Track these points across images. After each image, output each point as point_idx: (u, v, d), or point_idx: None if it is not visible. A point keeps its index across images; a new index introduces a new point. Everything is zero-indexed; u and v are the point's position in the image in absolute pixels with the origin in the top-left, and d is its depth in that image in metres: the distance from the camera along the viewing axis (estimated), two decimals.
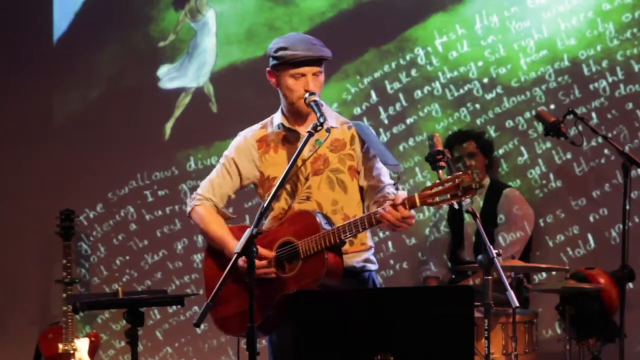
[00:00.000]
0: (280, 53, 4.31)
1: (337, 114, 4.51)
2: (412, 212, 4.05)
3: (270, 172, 4.41)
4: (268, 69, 4.40)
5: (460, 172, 3.97)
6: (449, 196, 3.97)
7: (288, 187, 4.34)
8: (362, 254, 4.38)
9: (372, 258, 4.43)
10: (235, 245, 3.98)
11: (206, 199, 4.49)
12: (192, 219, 4.54)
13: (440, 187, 3.99)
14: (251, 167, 4.47)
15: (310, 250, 4.16)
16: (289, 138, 4.40)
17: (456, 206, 4.02)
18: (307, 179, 4.33)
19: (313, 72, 4.29)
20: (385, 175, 4.38)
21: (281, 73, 4.34)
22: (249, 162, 4.46)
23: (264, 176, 4.44)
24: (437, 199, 4.00)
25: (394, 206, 4.01)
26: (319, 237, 4.15)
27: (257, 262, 4.11)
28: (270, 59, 4.39)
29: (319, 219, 4.20)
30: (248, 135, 4.51)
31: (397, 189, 4.28)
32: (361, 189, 4.39)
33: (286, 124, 4.40)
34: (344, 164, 4.35)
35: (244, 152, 4.48)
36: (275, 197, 4.14)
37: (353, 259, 4.33)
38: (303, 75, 4.29)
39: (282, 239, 4.26)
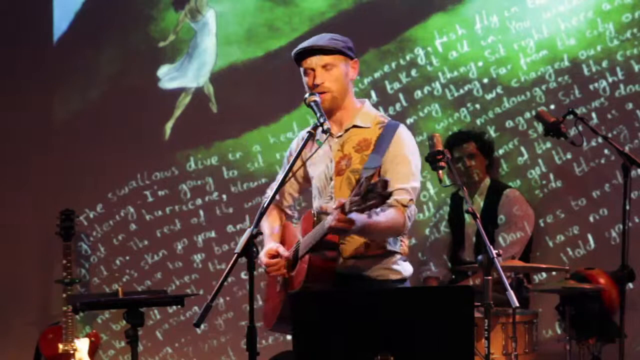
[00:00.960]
0: (293, 51, 4.32)
1: (377, 113, 4.37)
2: (352, 216, 3.87)
3: (311, 171, 4.41)
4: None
5: (379, 179, 3.76)
6: (379, 199, 3.75)
7: (320, 184, 4.32)
8: (379, 259, 4.25)
9: (396, 267, 4.27)
10: (268, 244, 4.30)
11: (269, 198, 4.18)
12: None
13: (360, 189, 3.79)
14: (302, 167, 4.44)
15: (302, 250, 4.17)
16: (320, 138, 4.23)
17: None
18: (332, 179, 4.29)
19: (321, 64, 4.24)
20: (398, 180, 4.13)
21: (301, 71, 4.33)
22: (300, 162, 4.36)
23: (308, 175, 4.45)
24: (367, 203, 3.77)
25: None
26: (307, 238, 4.17)
27: (267, 260, 4.26)
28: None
29: (316, 218, 4.20)
30: (303, 133, 4.31)
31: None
32: None
33: (320, 124, 4.25)
34: (364, 164, 4.23)
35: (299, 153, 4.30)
36: (275, 198, 4.13)
37: (367, 266, 4.22)
38: (312, 69, 4.25)
39: (297, 239, 4.33)
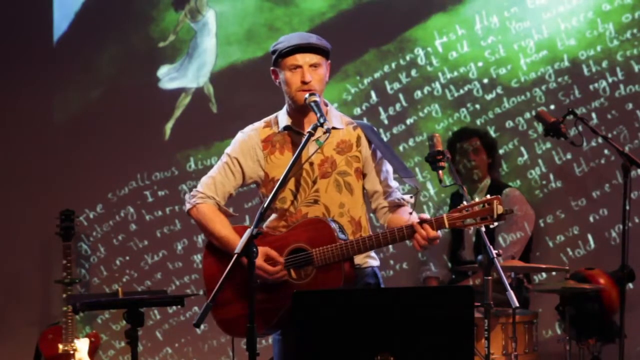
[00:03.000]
0: (277, 46, 4.30)
1: (341, 114, 4.46)
2: (439, 232, 4.06)
3: (275, 174, 4.33)
4: (272, 67, 4.36)
5: (492, 197, 4.02)
6: (478, 219, 4.02)
7: (294, 189, 4.30)
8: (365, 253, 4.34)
9: (373, 254, 4.38)
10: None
11: (208, 197, 4.39)
12: (193, 217, 4.42)
13: (469, 210, 4.02)
14: (256, 167, 4.40)
15: (326, 259, 4.15)
16: (294, 140, 4.34)
17: (483, 229, 4.07)
18: (314, 182, 4.29)
19: (310, 62, 4.25)
20: (392, 179, 4.37)
21: (280, 68, 4.30)
22: (253, 162, 4.39)
23: (268, 177, 4.38)
24: (466, 221, 4.04)
25: (422, 226, 4.03)
26: (337, 248, 4.14)
27: (271, 268, 4.15)
28: (272, 58, 4.35)
29: (334, 227, 4.18)
30: (252, 133, 4.43)
31: (413, 207, 4.22)
32: (364, 190, 4.37)
33: (292, 125, 4.35)
34: (351, 166, 4.31)
35: (249, 151, 4.41)
36: (275, 198, 4.12)
37: (356, 258, 4.27)
38: (299, 66, 4.24)
39: (294, 245, 4.22)
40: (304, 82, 4.23)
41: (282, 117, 4.40)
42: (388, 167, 4.35)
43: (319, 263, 4.16)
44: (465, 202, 4.14)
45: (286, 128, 4.35)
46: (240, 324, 4.06)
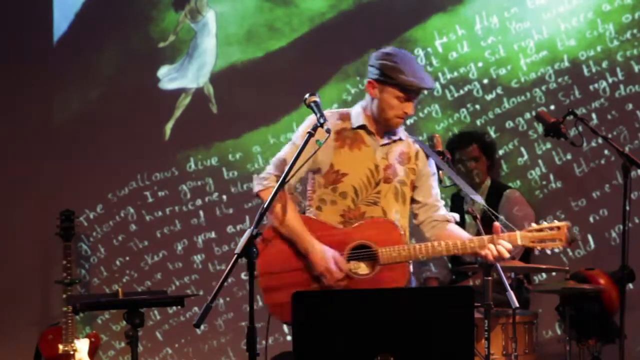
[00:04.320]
0: (396, 75, 4.39)
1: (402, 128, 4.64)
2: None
3: (340, 167, 4.45)
4: (372, 79, 4.47)
5: (564, 223, 4.28)
6: (548, 242, 4.27)
7: (357, 186, 4.43)
8: None
9: None
10: (312, 241, 4.30)
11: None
12: (262, 199, 4.43)
13: (542, 233, 4.28)
14: (326, 154, 4.46)
15: (392, 259, 4.33)
16: (365, 139, 4.49)
17: (548, 252, 4.42)
18: (377, 184, 4.45)
19: (416, 98, 4.47)
20: (439, 195, 4.62)
21: (388, 90, 4.43)
22: (327, 149, 4.43)
23: (333, 168, 4.47)
24: (537, 242, 4.29)
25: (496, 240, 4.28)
26: (404, 249, 4.34)
27: (336, 274, 4.30)
28: (377, 71, 4.45)
29: (401, 231, 4.40)
30: (329, 123, 4.33)
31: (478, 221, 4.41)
32: (411, 202, 4.59)
33: (369, 126, 4.49)
34: (408, 177, 4.52)
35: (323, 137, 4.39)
36: (275, 198, 4.11)
37: None
38: (409, 100, 4.42)
39: (359, 242, 4.38)
40: (406, 115, 4.45)
41: (358, 116, 4.52)
42: (436, 184, 4.58)
43: (383, 261, 4.33)
44: (465, 204, 4.18)
45: (361, 127, 4.49)
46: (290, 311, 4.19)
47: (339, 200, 4.44)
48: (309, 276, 4.38)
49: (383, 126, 4.50)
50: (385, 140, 4.49)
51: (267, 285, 4.39)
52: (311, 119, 4.39)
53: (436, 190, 4.59)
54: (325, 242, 4.37)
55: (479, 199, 4.43)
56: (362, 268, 4.40)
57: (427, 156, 4.56)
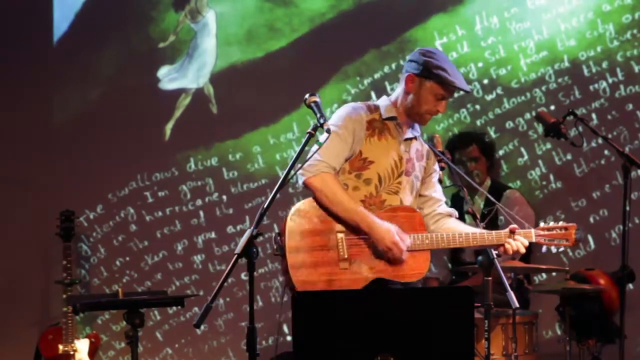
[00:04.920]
0: (439, 72, 4.55)
1: None
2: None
3: (368, 155, 4.56)
4: (412, 73, 4.60)
5: (571, 224, 4.54)
6: (557, 240, 4.51)
7: (384, 173, 4.57)
8: None
9: None
10: (375, 218, 4.43)
11: (331, 167, 4.52)
12: (313, 186, 4.50)
13: (553, 232, 4.52)
14: (357, 143, 4.59)
15: (415, 246, 4.48)
16: (392, 131, 4.63)
17: (554, 250, 4.55)
18: (400, 175, 4.59)
19: (450, 98, 4.66)
20: (442, 191, 4.78)
21: (427, 86, 4.58)
22: (360, 137, 4.58)
23: (361, 156, 4.57)
24: (547, 240, 4.54)
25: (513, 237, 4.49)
26: (427, 237, 4.50)
27: (403, 246, 4.44)
28: (420, 66, 4.59)
29: (424, 220, 4.59)
30: (361, 112, 4.63)
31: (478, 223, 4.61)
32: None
33: (398, 118, 4.63)
34: (421, 173, 4.69)
35: (359, 124, 4.58)
36: (275, 197, 4.12)
37: None
38: (444, 98, 4.60)
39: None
40: (437, 112, 4.62)
41: (387, 108, 4.66)
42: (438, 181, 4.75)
43: (410, 247, 4.47)
44: (465, 204, 4.21)
45: (391, 119, 4.63)
46: (317, 287, 4.39)
47: (362, 186, 4.56)
48: (336, 255, 4.46)
49: (411, 121, 4.65)
50: (409, 135, 4.64)
51: (294, 261, 4.42)
52: (347, 115, 4.59)
53: (439, 186, 4.75)
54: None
55: (487, 195, 4.61)
56: None
57: (435, 159, 4.72)
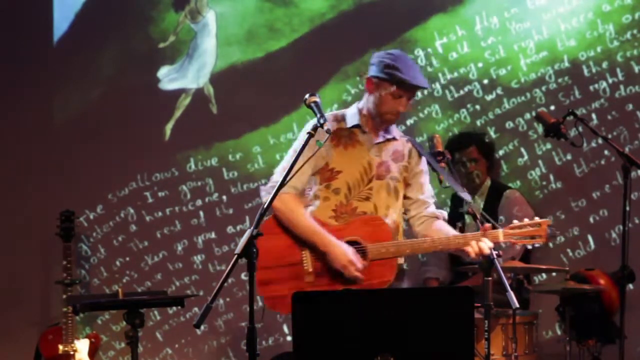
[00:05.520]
0: (391, 71, 4.61)
1: (396, 127, 4.83)
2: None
3: (335, 165, 4.67)
4: (370, 76, 4.67)
5: (544, 220, 4.44)
6: (529, 238, 4.41)
7: (352, 181, 4.64)
8: None
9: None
10: (331, 237, 4.50)
11: (291, 186, 4.63)
12: (273, 207, 4.62)
13: (523, 230, 4.42)
14: (324, 155, 4.67)
15: (381, 255, 4.51)
16: (360, 138, 4.69)
17: (529, 247, 4.48)
18: (370, 181, 4.66)
19: (410, 97, 4.68)
20: (431, 192, 4.81)
21: (383, 86, 4.63)
22: (325, 149, 4.63)
23: (328, 167, 4.67)
24: (518, 238, 4.44)
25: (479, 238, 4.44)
26: (393, 246, 4.52)
27: (358, 265, 4.50)
28: (376, 68, 4.66)
29: (390, 228, 4.58)
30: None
31: (462, 226, 4.76)
32: (404, 198, 4.76)
33: (363, 126, 4.69)
34: (401, 174, 4.73)
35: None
36: (274, 199, 4.14)
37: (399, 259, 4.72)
38: (402, 97, 4.63)
39: (349, 238, 4.58)
40: (398, 112, 4.66)
41: (352, 117, 4.75)
42: (427, 181, 4.77)
43: (372, 257, 4.54)
44: (465, 204, 4.21)
45: (356, 126, 4.70)
46: (285, 303, 4.37)
47: (332, 196, 4.66)
48: (301, 270, 4.61)
49: (378, 124, 4.69)
50: (380, 139, 4.70)
51: (262, 278, 4.57)
52: (311, 125, 4.50)
53: (427, 187, 4.77)
54: None
55: (467, 197, 4.57)
56: None
57: (420, 154, 4.73)
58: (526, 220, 4.49)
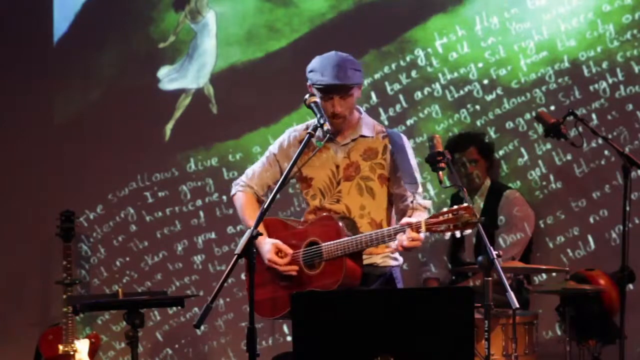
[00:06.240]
0: (310, 75, 4.61)
1: (375, 122, 4.78)
2: (421, 235, 4.30)
3: (308, 173, 4.71)
4: (308, 84, 4.65)
5: (463, 206, 4.24)
6: (450, 226, 4.25)
7: (323, 186, 4.68)
8: (384, 253, 4.71)
9: (394, 255, 4.73)
10: (259, 240, 4.45)
11: (249, 186, 4.85)
12: (234, 202, 4.95)
13: (443, 217, 4.27)
14: (298, 164, 4.63)
15: (331, 254, 4.50)
16: (327, 144, 4.67)
17: (457, 235, 4.26)
18: (338, 184, 4.67)
19: (339, 96, 4.57)
20: (413, 187, 4.65)
21: (313, 92, 4.58)
22: (289, 161, 4.59)
23: (302, 175, 4.74)
24: (441, 227, 4.27)
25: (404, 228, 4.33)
26: (341, 244, 4.46)
27: (280, 260, 4.54)
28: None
29: (342, 225, 4.51)
30: (292, 135, 4.80)
31: (410, 210, 4.54)
32: (390, 195, 4.70)
33: (330, 133, 4.65)
34: (374, 172, 4.67)
35: (286, 151, 4.76)
36: (274, 200, 4.16)
37: (377, 257, 4.67)
38: (331, 98, 4.56)
39: (311, 239, 4.60)
40: (335, 113, 4.57)
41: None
42: (414, 174, 4.64)
43: (326, 256, 4.51)
44: (465, 204, 4.18)
45: (326, 133, 4.61)
46: (265, 306, 4.63)
47: (311, 201, 4.73)
48: (274, 273, 4.62)
49: (337, 129, 4.66)
50: (346, 140, 4.67)
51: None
52: (280, 140, 4.79)
53: (409, 179, 4.61)
54: (286, 242, 4.63)
55: (412, 189, 4.55)
56: (314, 264, 4.60)
57: (398, 149, 4.66)
58: (446, 209, 4.30)
